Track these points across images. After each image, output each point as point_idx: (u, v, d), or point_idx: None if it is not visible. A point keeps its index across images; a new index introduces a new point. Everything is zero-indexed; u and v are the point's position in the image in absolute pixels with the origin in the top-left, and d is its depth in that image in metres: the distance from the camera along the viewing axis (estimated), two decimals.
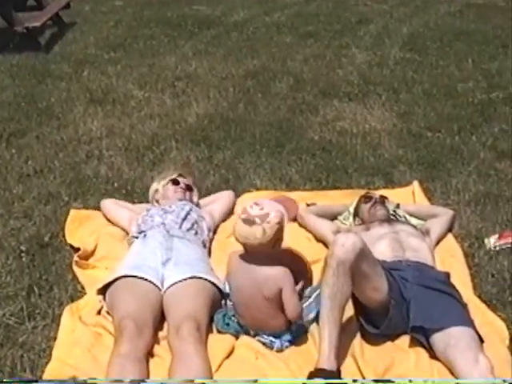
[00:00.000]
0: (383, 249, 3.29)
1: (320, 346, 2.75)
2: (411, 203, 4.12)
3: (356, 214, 3.83)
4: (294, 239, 3.34)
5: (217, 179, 4.49)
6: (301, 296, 2.97)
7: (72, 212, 4.01)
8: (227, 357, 2.87)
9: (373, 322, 2.96)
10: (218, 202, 4.04)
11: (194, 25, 8.67)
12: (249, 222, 2.74)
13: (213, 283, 3.16)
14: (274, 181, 4.48)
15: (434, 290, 3.01)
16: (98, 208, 4.01)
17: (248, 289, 2.86)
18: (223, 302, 3.16)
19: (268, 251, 2.80)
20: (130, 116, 5.66)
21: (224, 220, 3.96)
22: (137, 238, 3.53)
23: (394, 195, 4.07)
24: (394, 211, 3.81)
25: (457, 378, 2.67)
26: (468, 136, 5.18)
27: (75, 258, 3.54)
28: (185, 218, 3.60)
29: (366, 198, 3.80)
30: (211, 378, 2.72)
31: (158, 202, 3.90)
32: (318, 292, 2.90)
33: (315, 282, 3.10)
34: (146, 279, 3.11)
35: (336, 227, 3.76)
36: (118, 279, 3.13)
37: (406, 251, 3.30)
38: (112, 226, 3.89)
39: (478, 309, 3.12)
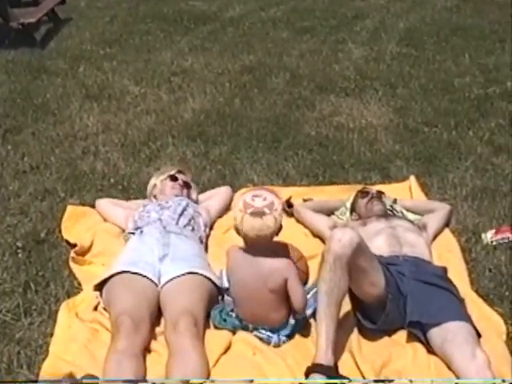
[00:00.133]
0: (380, 244, 3.29)
1: (317, 341, 2.75)
2: (408, 198, 4.12)
3: (353, 209, 3.83)
4: (291, 235, 3.33)
5: (213, 175, 4.48)
6: None
7: (68, 208, 4.01)
8: (224, 352, 2.88)
9: (370, 317, 2.96)
10: (215, 197, 4.04)
11: (190, 20, 8.66)
12: (259, 214, 2.75)
13: (210, 279, 3.15)
14: (271, 176, 4.47)
15: (431, 285, 3.01)
16: (94, 205, 4.01)
17: (252, 282, 2.86)
18: (220, 297, 3.16)
19: (268, 243, 2.82)
20: (126, 112, 5.65)
21: (221, 216, 3.95)
22: (133, 234, 3.53)
23: (391, 190, 4.07)
24: (391, 206, 3.81)
25: (454, 372, 2.67)
26: (465, 131, 5.18)
27: (72, 254, 3.54)
28: (181, 214, 3.60)
29: (363, 194, 3.80)
30: (208, 373, 2.72)
31: (155, 197, 3.89)
32: (315, 290, 2.90)
33: (312, 276, 3.10)
34: (142, 275, 3.11)
35: (333, 222, 3.76)
36: (114, 275, 3.13)
37: (403, 246, 3.30)
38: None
39: (475, 303, 3.12)
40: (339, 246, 2.73)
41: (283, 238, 3.02)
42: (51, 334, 2.98)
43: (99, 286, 3.17)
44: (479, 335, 2.79)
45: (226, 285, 3.12)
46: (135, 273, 3.11)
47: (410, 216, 3.83)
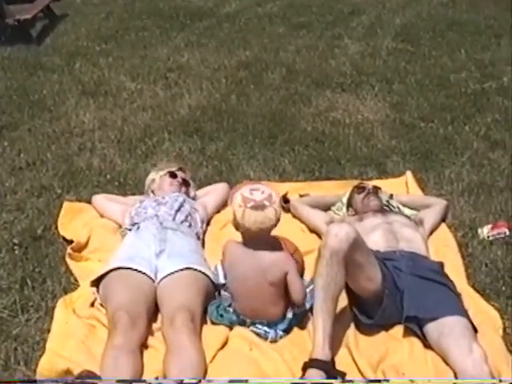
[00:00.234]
0: (377, 239, 3.30)
1: (314, 336, 2.75)
2: (404, 194, 4.12)
3: (349, 204, 3.83)
4: (288, 230, 3.33)
5: (210, 171, 4.48)
6: None
7: (65, 204, 4.00)
8: (221, 348, 2.88)
9: (367, 312, 2.96)
10: (212, 194, 4.03)
11: (186, 16, 8.64)
12: (260, 207, 2.78)
13: (206, 274, 3.15)
14: (268, 172, 4.47)
15: (427, 280, 3.01)
16: (91, 201, 4.00)
17: (253, 276, 2.87)
18: (217, 293, 3.16)
19: (267, 237, 2.85)
20: (123, 108, 5.65)
21: (217, 212, 3.95)
22: (130, 230, 3.53)
23: (388, 186, 4.07)
24: (388, 202, 3.81)
25: (451, 366, 2.67)
26: (461, 126, 5.18)
27: (68, 250, 3.54)
28: (178, 210, 3.60)
29: (359, 189, 3.80)
30: (205, 369, 2.72)
31: (153, 192, 3.89)
32: (312, 287, 2.90)
33: (308, 272, 3.10)
34: (139, 271, 3.11)
35: (329, 218, 3.76)
36: (111, 271, 3.13)
37: (400, 241, 3.30)
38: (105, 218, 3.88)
39: (471, 298, 3.13)
40: (336, 241, 2.73)
41: (280, 234, 3.03)
42: (48, 331, 2.98)
43: (96, 282, 3.17)
44: (476, 330, 2.79)
45: (221, 280, 3.12)
46: (132, 268, 3.11)
47: (407, 211, 3.83)
